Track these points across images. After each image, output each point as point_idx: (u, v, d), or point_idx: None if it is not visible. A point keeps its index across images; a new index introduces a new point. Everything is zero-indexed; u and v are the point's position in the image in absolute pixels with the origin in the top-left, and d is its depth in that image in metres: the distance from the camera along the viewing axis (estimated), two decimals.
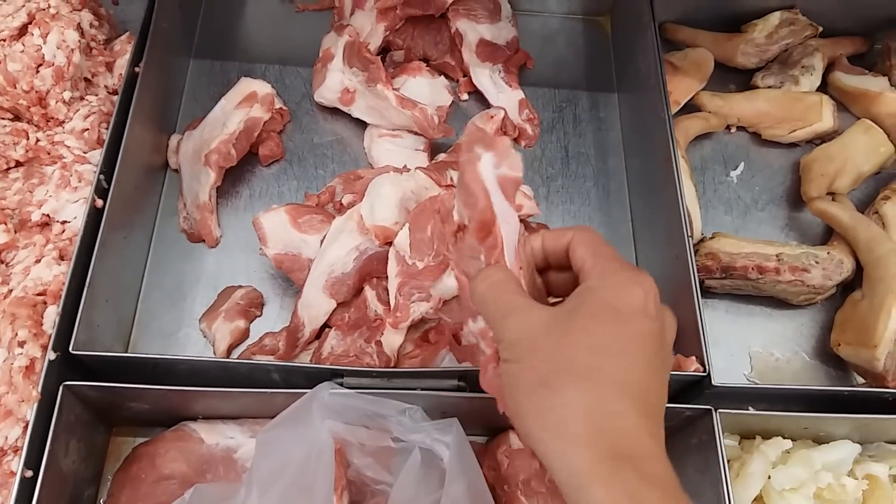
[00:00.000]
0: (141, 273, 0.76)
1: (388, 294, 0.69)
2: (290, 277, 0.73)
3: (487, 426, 0.70)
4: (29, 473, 0.56)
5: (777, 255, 0.78)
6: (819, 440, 0.70)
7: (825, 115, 0.89)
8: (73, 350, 0.60)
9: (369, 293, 0.70)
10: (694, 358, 0.65)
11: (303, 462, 0.54)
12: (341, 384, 0.62)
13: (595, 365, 0.38)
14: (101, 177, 0.68)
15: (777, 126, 0.90)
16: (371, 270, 0.71)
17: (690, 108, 0.90)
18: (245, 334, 0.73)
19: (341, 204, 0.76)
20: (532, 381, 0.38)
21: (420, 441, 0.62)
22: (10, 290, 0.64)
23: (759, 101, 0.91)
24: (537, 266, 0.49)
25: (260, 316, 0.75)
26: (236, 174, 0.82)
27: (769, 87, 0.93)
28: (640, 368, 0.39)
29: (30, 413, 0.58)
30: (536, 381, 0.38)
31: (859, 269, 0.79)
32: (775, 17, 0.93)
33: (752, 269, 0.77)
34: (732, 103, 0.90)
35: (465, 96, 0.90)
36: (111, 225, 0.67)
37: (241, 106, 0.80)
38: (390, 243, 0.70)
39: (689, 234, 0.71)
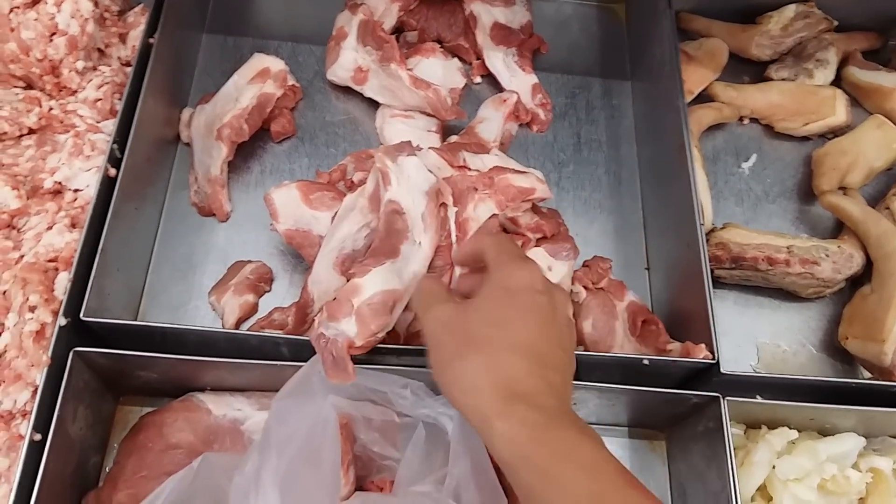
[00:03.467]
0: (151, 245, 0.76)
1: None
2: (300, 253, 0.73)
3: None
4: (38, 437, 0.56)
5: (788, 247, 0.78)
6: (824, 432, 0.70)
7: (838, 110, 0.89)
8: (83, 317, 0.60)
9: None
10: (703, 345, 0.65)
11: (308, 435, 0.54)
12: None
13: (492, 334, 0.47)
14: (115, 146, 0.68)
15: (790, 119, 0.90)
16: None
17: (704, 98, 0.90)
18: (254, 309, 0.73)
19: (352, 182, 0.76)
20: (448, 356, 0.48)
21: (424, 415, 0.62)
22: (22, 256, 0.64)
23: (773, 94, 0.91)
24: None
25: (269, 291, 0.75)
26: (248, 150, 0.81)
27: (783, 79, 0.93)
28: (529, 331, 0.48)
29: (39, 378, 0.58)
30: (450, 356, 0.47)
31: (869, 264, 0.79)
32: (790, 10, 0.93)
33: (763, 260, 0.77)
34: (746, 95, 0.90)
35: (477, 79, 0.90)
36: (123, 195, 0.67)
37: (254, 81, 0.80)
38: None
39: (701, 222, 0.71)
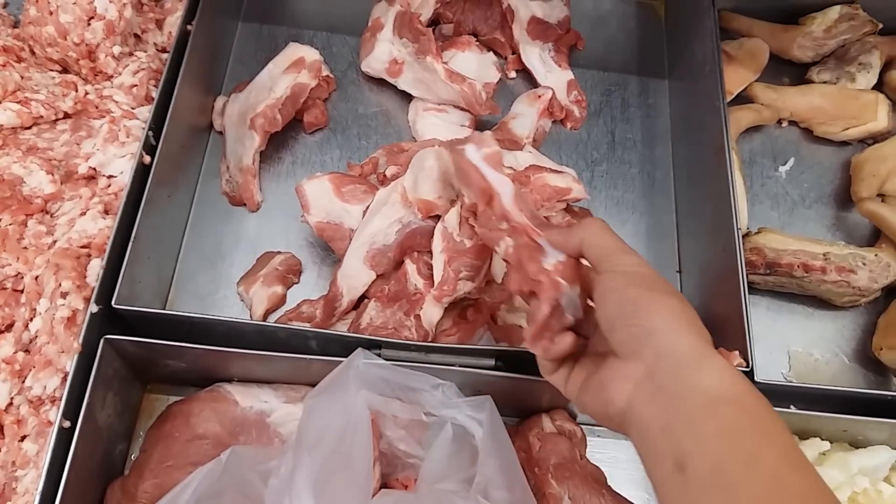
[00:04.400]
0: (181, 233, 0.76)
1: (428, 268, 0.69)
2: (330, 246, 0.73)
3: (519, 408, 0.69)
4: (67, 424, 0.56)
5: (824, 255, 0.76)
6: (856, 444, 0.69)
7: (880, 115, 0.87)
8: (115, 304, 0.60)
9: (410, 267, 0.69)
10: (737, 352, 0.64)
11: (341, 430, 0.54)
12: (379, 355, 0.62)
13: (674, 293, 0.49)
14: (150, 133, 0.68)
15: (830, 123, 0.88)
16: (413, 244, 0.70)
17: (742, 99, 0.88)
18: (282, 300, 0.73)
19: (385, 175, 0.75)
20: (649, 285, 0.47)
21: (452, 417, 0.61)
22: (55, 241, 0.64)
23: (814, 97, 0.89)
24: None
25: (297, 283, 0.75)
26: (279, 140, 0.81)
27: (824, 82, 0.91)
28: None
29: (69, 364, 0.59)
30: (654, 288, 0.47)
31: None
32: (834, 12, 0.91)
33: (798, 266, 0.76)
34: (786, 97, 0.88)
35: (512, 74, 0.89)
36: (157, 182, 0.67)
37: (289, 71, 0.80)
38: (433, 217, 0.69)
39: (739, 226, 0.69)
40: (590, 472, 0.64)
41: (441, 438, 0.60)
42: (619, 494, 0.63)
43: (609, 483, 0.65)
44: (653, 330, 0.45)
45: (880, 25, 0.92)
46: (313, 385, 0.65)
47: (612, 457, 0.70)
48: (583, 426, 0.69)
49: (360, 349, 0.60)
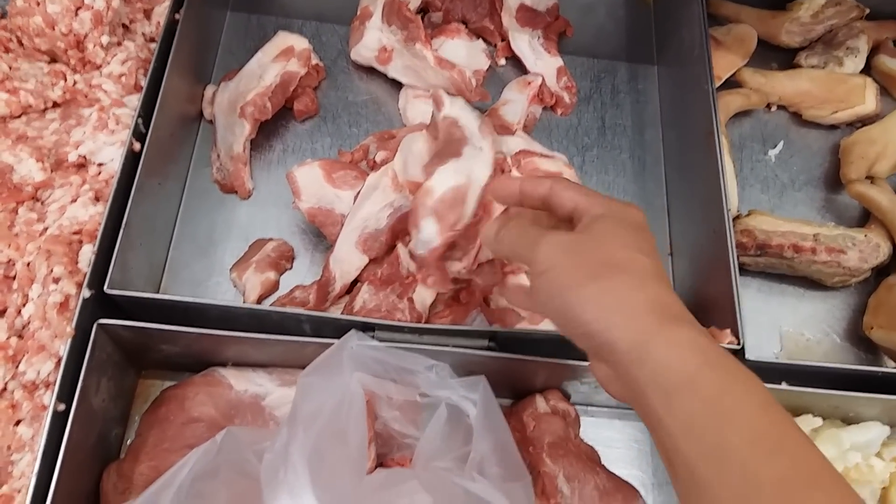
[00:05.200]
0: (173, 221, 0.76)
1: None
2: (322, 232, 0.73)
3: (513, 388, 0.69)
4: (62, 407, 0.56)
5: (814, 235, 0.77)
6: (848, 421, 0.69)
7: (868, 98, 0.88)
8: (108, 289, 0.60)
9: (402, 251, 0.69)
10: (728, 330, 0.64)
11: (336, 409, 0.54)
12: (373, 338, 0.62)
13: (632, 258, 0.44)
14: (140, 121, 0.68)
15: (819, 106, 0.89)
16: (404, 228, 0.70)
17: (731, 84, 0.89)
18: (275, 286, 0.73)
19: (375, 161, 0.75)
20: (579, 278, 0.43)
21: (446, 397, 0.61)
22: (46, 228, 0.64)
23: (802, 81, 0.90)
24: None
25: (290, 269, 0.75)
26: (270, 128, 0.81)
27: (812, 66, 0.91)
28: (659, 265, 0.45)
29: (63, 349, 0.59)
30: (584, 277, 0.43)
31: (895, 254, 0.78)
32: None
33: (789, 247, 0.76)
34: (774, 81, 0.89)
35: (502, 61, 0.89)
36: (147, 169, 0.67)
37: (278, 59, 0.80)
38: None
39: (728, 206, 0.70)
40: (584, 450, 0.65)
41: (435, 418, 0.60)
42: (613, 473, 0.64)
43: (603, 462, 0.66)
44: (589, 334, 0.42)
45: (867, 10, 0.93)
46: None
47: (606, 436, 0.70)
48: (576, 406, 0.69)
49: (353, 330, 0.61)
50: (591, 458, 0.64)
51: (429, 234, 0.61)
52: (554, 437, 0.64)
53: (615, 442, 0.70)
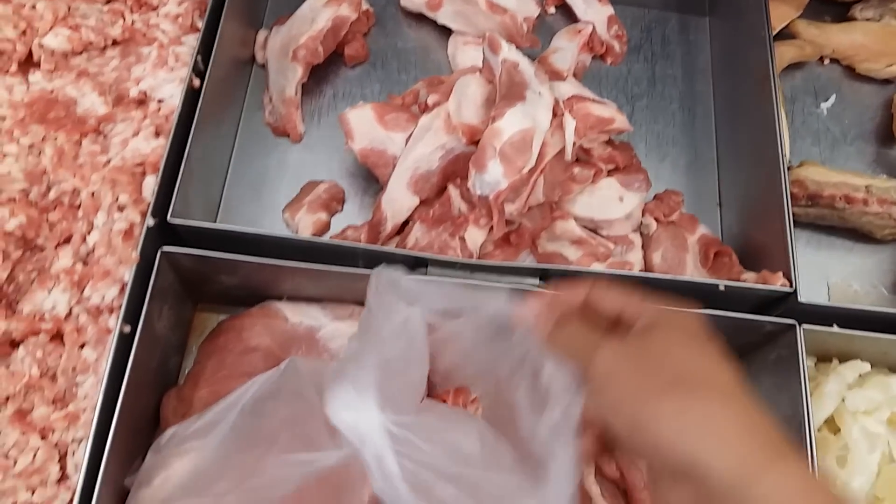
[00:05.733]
0: (227, 163, 0.77)
1: (471, 193, 0.70)
2: (374, 173, 0.74)
3: None
4: (127, 329, 0.58)
5: (866, 187, 0.76)
6: (895, 368, 0.69)
7: None
8: (170, 218, 0.61)
9: (453, 192, 0.70)
10: (781, 273, 0.64)
11: (398, 335, 0.53)
12: (425, 273, 0.63)
13: (706, 370, 0.39)
14: (199, 58, 0.69)
15: (873, 60, 0.88)
16: (456, 170, 0.71)
17: (784, 36, 0.88)
18: (326, 226, 0.74)
19: (426, 104, 0.76)
20: (651, 390, 0.38)
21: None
22: (109, 160, 0.65)
23: (857, 34, 0.88)
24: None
25: (340, 211, 0.76)
26: (320, 73, 0.82)
27: (867, 19, 0.90)
28: (738, 377, 0.39)
29: (128, 275, 0.60)
30: (656, 389, 0.38)
31: None
32: None
33: (840, 198, 0.76)
34: (829, 33, 0.88)
35: (552, 9, 0.89)
36: (206, 106, 0.68)
37: (329, 4, 0.80)
38: (477, 142, 0.69)
39: (784, 153, 0.69)
40: None
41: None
42: None
43: None
44: (671, 456, 0.36)
45: None
46: (360, 303, 0.66)
47: None
48: None
49: (382, 265, 0.59)
50: None
51: (496, 175, 0.62)
52: None
53: None
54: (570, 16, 0.88)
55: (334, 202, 0.76)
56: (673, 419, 0.36)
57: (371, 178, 0.76)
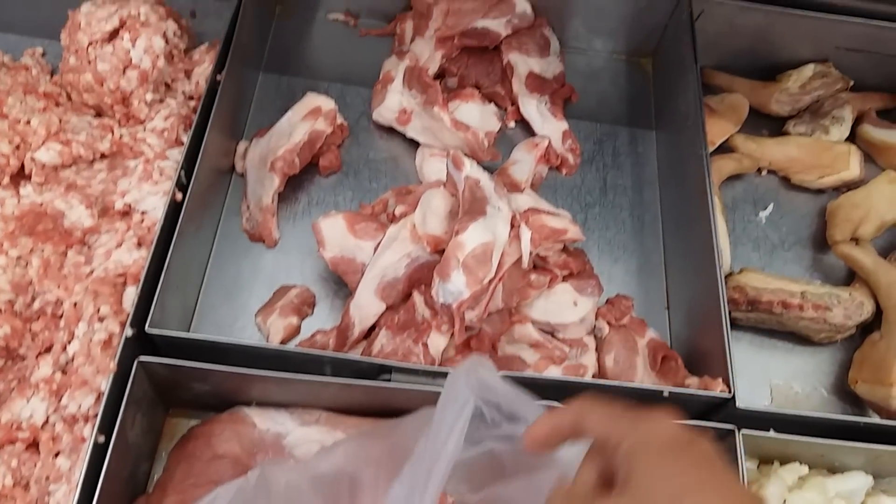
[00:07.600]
0: (204, 267, 0.81)
1: (434, 300, 0.74)
2: (343, 279, 0.78)
3: None
4: (102, 439, 0.60)
5: (801, 293, 0.82)
6: (833, 470, 0.73)
7: (853, 165, 0.94)
8: (148, 329, 0.65)
9: (418, 298, 0.75)
10: (720, 379, 0.69)
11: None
12: (388, 379, 0.67)
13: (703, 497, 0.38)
14: (182, 172, 0.73)
15: (806, 172, 0.95)
16: (421, 277, 0.75)
17: (724, 149, 0.95)
18: (297, 330, 0.78)
19: (394, 214, 0.81)
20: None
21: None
22: (92, 271, 0.69)
23: (791, 147, 0.96)
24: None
25: (311, 315, 0.80)
26: (296, 182, 0.87)
27: (800, 134, 0.98)
28: (731, 485, 0.40)
29: (104, 384, 0.63)
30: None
31: (879, 312, 0.83)
32: (809, 69, 0.98)
33: (777, 304, 0.81)
34: (765, 147, 0.95)
35: (512, 124, 0.96)
36: (188, 218, 0.72)
37: (307, 119, 0.86)
38: (440, 251, 0.74)
39: (720, 264, 0.75)
40: None
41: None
42: None
43: None
44: None
45: (851, 82, 1.00)
46: (327, 408, 0.69)
47: None
48: None
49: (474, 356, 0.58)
50: None
51: (458, 285, 0.67)
52: None
53: None
54: (528, 129, 0.95)
55: (305, 306, 0.80)
56: None
57: (341, 281, 0.80)
